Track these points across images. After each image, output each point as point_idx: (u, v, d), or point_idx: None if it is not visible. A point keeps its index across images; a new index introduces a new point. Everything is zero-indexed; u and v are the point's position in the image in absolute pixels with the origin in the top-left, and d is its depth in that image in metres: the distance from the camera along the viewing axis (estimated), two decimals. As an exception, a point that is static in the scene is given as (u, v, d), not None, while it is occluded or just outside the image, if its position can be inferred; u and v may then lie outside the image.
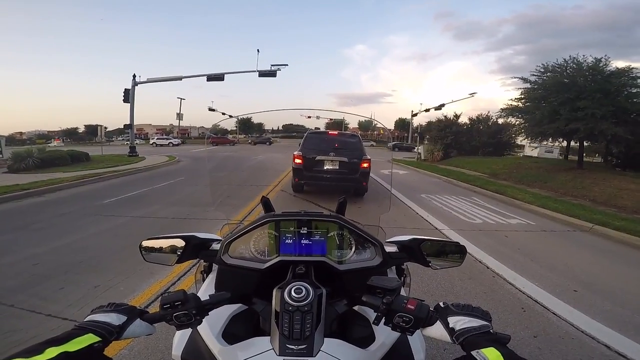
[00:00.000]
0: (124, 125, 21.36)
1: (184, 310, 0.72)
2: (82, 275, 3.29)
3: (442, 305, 0.74)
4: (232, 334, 0.88)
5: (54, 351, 0.57)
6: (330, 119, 62.11)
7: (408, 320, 0.70)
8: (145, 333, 0.75)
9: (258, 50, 20.94)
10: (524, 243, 4.91)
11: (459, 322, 0.68)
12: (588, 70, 11.71)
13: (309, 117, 53.62)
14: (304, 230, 1.00)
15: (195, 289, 1.12)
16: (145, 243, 1.02)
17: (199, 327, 0.82)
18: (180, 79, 21.04)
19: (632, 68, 11.25)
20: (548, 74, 12.80)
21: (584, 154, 14.68)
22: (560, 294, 3.20)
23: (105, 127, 22.11)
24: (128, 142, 21.80)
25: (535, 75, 13.17)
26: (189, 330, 0.88)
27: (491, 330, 0.66)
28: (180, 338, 0.90)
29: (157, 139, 42.97)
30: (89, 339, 0.64)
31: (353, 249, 1.01)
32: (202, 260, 1.15)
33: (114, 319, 0.71)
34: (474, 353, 0.60)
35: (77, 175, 9.92)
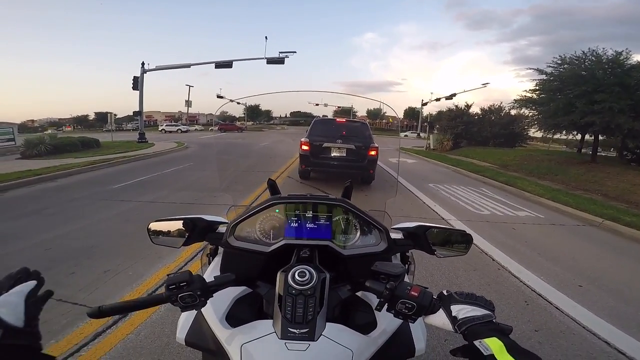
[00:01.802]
0: (134, 112, 21.51)
1: (189, 291, 0.71)
2: (92, 260, 3.37)
3: (446, 294, 0.73)
4: (236, 317, 0.88)
5: None
6: (339, 107, 61.63)
7: (411, 307, 0.69)
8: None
9: (266, 37, 20.88)
10: (531, 236, 4.87)
11: (461, 310, 0.68)
12: (607, 64, 11.34)
13: (317, 104, 53.36)
14: (309, 214, 0.99)
15: (201, 272, 1.13)
16: (153, 226, 1.02)
17: (203, 310, 0.83)
18: (188, 66, 21.01)
19: None
20: (565, 65, 12.43)
21: (599, 148, 14.37)
22: (565, 289, 3.18)
23: (115, 114, 22.34)
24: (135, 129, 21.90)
25: (551, 67, 12.82)
26: (193, 313, 0.89)
27: (494, 320, 0.65)
28: (185, 321, 0.91)
29: (166, 125, 43.24)
30: None
31: (358, 234, 1.01)
32: (209, 244, 1.15)
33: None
34: (476, 343, 0.60)
35: (88, 161, 10.09)
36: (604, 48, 11.77)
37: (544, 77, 13.13)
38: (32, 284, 0.67)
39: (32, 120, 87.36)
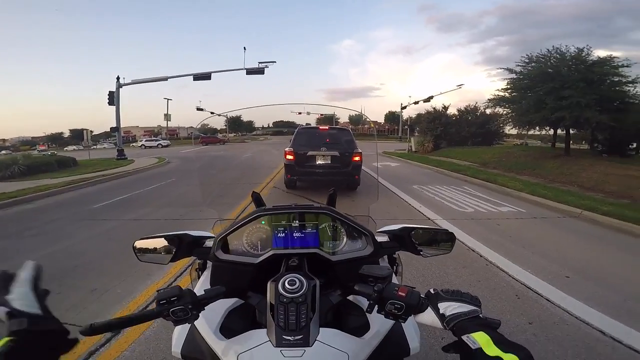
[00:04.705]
0: (111, 128, 21.04)
1: (180, 305, 0.71)
2: (78, 280, 3.26)
3: (433, 292, 0.75)
4: (230, 328, 0.88)
5: None
6: (321, 115, 62.14)
7: (400, 307, 0.71)
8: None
9: (245, 48, 20.83)
10: (515, 230, 5.00)
11: (448, 307, 0.70)
12: (571, 60, 11.95)
13: (300, 113, 53.64)
14: (295, 223, 1.01)
15: (192, 287, 1.12)
16: (139, 243, 1.02)
17: (196, 323, 0.83)
18: (165, 79, 20.78)
19: (614, 57, 11.52)
20: (533, 64, 13.01)
21: (571, 141, 14.99)
22: (553, 281, 3.26)
23: (91, 131, 21.79)
24: (108, 146, 21.11)
25: (520, 66, 13.40)
26: (187, 327, 0.88)
27: (480, 315, 0.67)
28: (179, 335, 0.90)
29: (146, 140, 42.43)
30: None
31: (345, 239, 1.03)
32: (197, 258, 1.16)
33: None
34: (464, 338, 0.61)
35: (66, 181, 9.77)
36: (566, 45, 12.41)
37: (514, 76, 13.69)
38: (29, 267, 0.72)
39: (3, 140, 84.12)
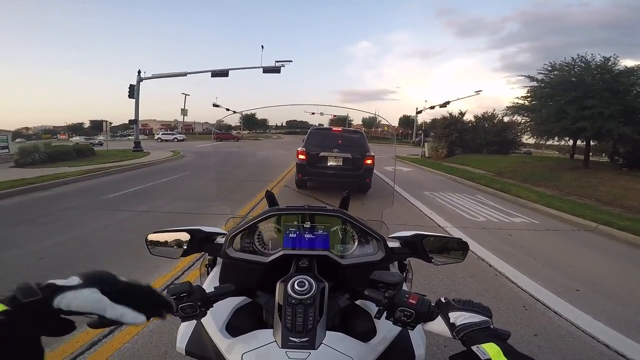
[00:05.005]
0: (129, 121, 21.48)
1: (189, 301, 0.72)
2: (87, 269, 3.32)
3: (444, 301, 0.74)
4: (236, 326, 0.89)
5: None
6: (334, 115, 62.05)
7: (409, 314, 0.70)
8: (100, 311, 0.55)
9: (262, 46, 20.92)
10: (527, 242, 4.90)
11: (459, 317, 0.68)
12: (596, 69, 11.58)
13: (313, 113, 53.85)
14: (307, 225, 1.00)
15: (200, 282, 1.13)
16: (151, 237, 1.03)
17: (202, 320, 0.83)
18: (184, 74, 21.05)
19: None
20: (555, 72, 12.68)
21: (590, 154, 14.58)
22: (562, 293, 3.19)
23: (111, 123, 22.25)
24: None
25: (542, 74, 13.07)
26: (193, 323, 0.89)
27: (491, 326, 0.66)
28: (185, 330, 0.91)
29: (162, 134, 43.24)
30: None
31: (356, 243, 1.02)
32: (207, 254, 1.16)
33: (70, 282, 0.54)
34: (474, 348, 0.60)
35: (83, 170, 10.02)
36: (592, 54, 12.06)
37: (534, 83, 13.36)
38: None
39: (27, 128, 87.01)
